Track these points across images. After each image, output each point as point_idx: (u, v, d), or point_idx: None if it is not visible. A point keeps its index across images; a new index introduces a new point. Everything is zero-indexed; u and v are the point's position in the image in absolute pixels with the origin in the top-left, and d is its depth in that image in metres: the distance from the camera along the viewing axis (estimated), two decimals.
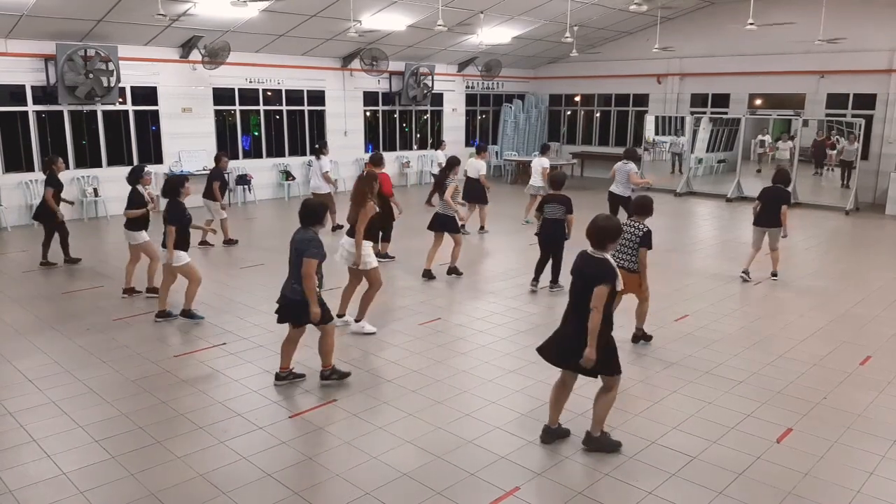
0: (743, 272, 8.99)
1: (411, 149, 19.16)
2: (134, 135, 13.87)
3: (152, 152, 14.22)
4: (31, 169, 12.73)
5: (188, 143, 14.53)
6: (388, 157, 17.02)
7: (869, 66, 15.69)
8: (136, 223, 7.92)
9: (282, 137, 16.40)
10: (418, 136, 19.62)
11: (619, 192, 11.00)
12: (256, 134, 16.16)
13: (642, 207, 6.34)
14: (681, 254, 10.72)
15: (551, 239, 8.25)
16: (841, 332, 7.11)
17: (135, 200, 7.89)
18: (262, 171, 15.82)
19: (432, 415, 5.17)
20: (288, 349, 5.68)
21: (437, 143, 15.85)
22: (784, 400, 5.46)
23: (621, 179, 11.00)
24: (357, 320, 6.96)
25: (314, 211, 5.50)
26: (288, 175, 16.15)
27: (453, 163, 9.27)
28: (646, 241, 6.24)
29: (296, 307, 5.43)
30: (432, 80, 18.29)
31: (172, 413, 5.17)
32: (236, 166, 15.16)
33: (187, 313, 7.28)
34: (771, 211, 8.70)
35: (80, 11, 11.44)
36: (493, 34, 16.27)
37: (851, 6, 15.39)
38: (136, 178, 8.03)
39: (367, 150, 17.83)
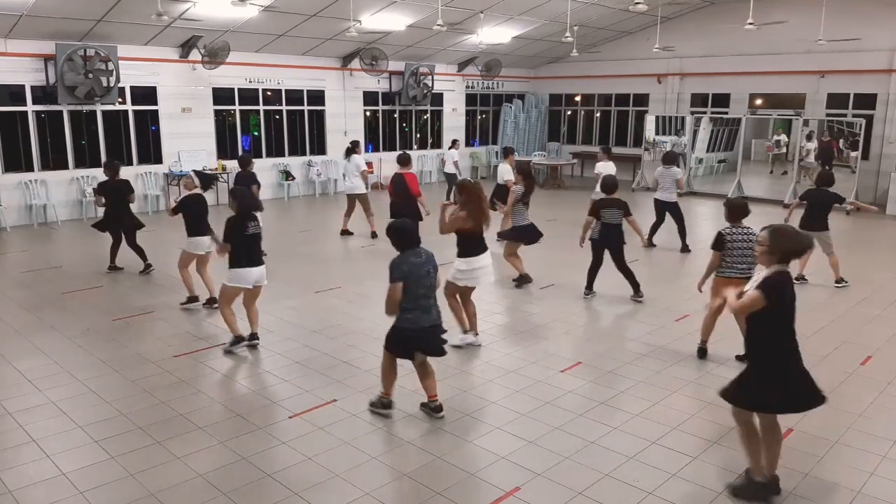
0: (797, 277, 8.65)
1: (411, 148, 19.14)
2: (134, 135, 13.87)
3: (152, 152, 14.24)
4: (30, 169, 12.73)
5: (188, 143, 14.53)
6: (388, 156, 17.01)
7: (869, 66, 15.69)
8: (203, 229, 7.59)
9: (282, 137, 16.40)
10: (418, 136, 19.62)
11: (665, 199, 10.87)
12: (256, 134, 16.15)
13: (741, 209, 5.97)
14: (681, 253, 10.73)
15: (613, 244, 7.99)
16: (841, 332, 7.10)
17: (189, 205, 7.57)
18: (261, 171, 15.65)
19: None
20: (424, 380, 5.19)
21: (452, 143, 15.61)
22: None
23: (667, 185, 10.81)
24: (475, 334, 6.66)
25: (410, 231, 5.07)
26: (288, 175, 16.15)
27: (526, 170, 8.69)
28: None
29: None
30: (432, 80, 18.28)
31: (172, 413, 5.16)
32: (236, 166, 15.14)
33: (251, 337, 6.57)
34: (818, 215, 8.54)
35: (80, 11, 11.43)
36: (493, 34, 16.27)
37: (851, 6, 15.38)
38: (209, 182, 7.83)
39: (367, 150, 17.83)
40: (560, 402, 5.40)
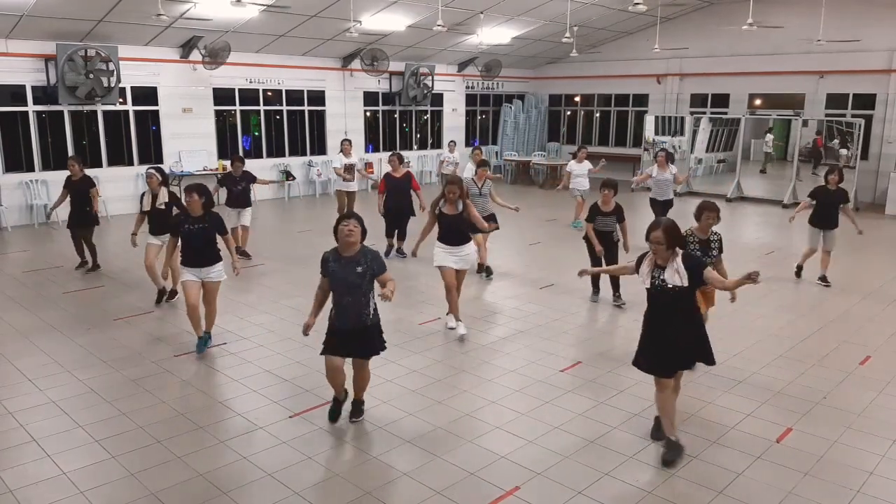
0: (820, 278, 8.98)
1: (411, 149, 19.18)
2: (134, 135, 13.89)
3: (153, 152, 14.25)
4: (31, 169, 12.75)
5: (188, 143, 14.54)
6: (387, 157, 17.06)
7: (868, 66, 15.71)
8: None
9: (282, 137, 16.42)
10: (418, 136, 19.64)
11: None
12: (257, 134, 16.17)
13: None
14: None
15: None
16: (841, 332, 7.11)
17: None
18: (262, 171, 15.72)
19: (432, 414, 5.17)
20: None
21: (449, 145, 15.55)
22: (784, 400, 5.46)
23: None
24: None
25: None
26: (288, 175, 16.16)
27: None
28: None
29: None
30: (432, 81, 18.29)
31: (172, 413, 5.17)
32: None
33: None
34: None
35: (81, 12, 11.44)
36: (493, 34, 16.28)
37: (851, 6, 15.40)
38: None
39: (367, 151, 17.84)
40: (560, 402, 5.41)
